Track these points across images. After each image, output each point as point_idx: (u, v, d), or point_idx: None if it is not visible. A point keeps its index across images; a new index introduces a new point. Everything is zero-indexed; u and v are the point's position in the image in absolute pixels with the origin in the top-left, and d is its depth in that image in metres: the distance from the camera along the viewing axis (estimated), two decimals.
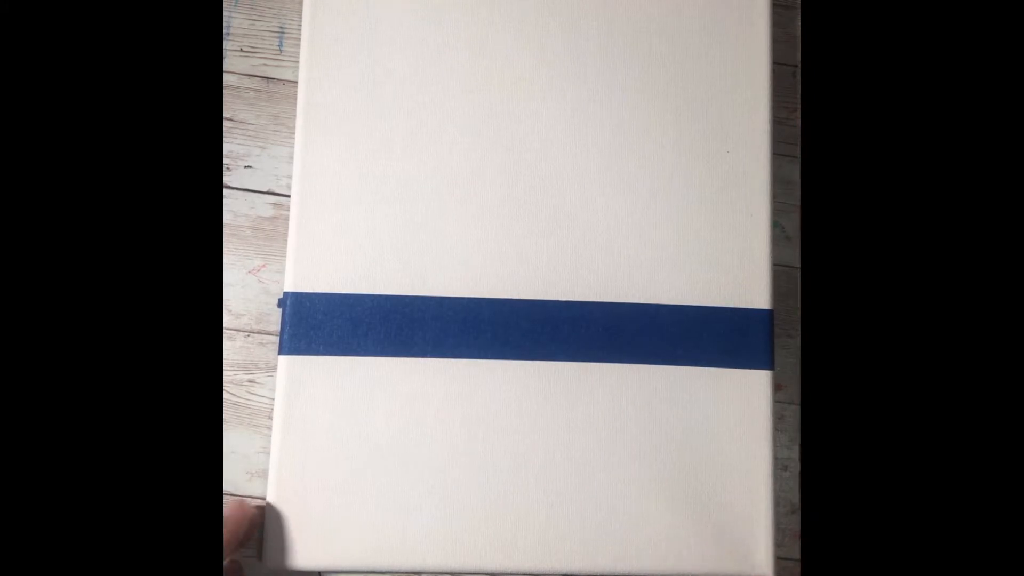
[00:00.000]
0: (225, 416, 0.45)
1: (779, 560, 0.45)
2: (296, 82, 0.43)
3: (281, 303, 0.41)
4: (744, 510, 0.41)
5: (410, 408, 0.40)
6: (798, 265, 0.47)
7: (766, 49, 0.44)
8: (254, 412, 0.45)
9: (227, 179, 0.46)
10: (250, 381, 0.45)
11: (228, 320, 0.45)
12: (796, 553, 0.46)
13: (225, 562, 0.37)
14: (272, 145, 0.47)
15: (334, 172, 0.42)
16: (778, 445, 0.46)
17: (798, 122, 0.49)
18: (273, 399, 0.40)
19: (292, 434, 0.40)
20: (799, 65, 0.49)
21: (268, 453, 0.40)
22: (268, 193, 0.46)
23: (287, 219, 0.43)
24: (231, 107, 0.47)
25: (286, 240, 0.41)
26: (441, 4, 0.43)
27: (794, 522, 0.46)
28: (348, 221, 0.41)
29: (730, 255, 0.42)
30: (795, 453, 0.46)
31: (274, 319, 0.45)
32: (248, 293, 0.46)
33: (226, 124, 0.46)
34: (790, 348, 0.47)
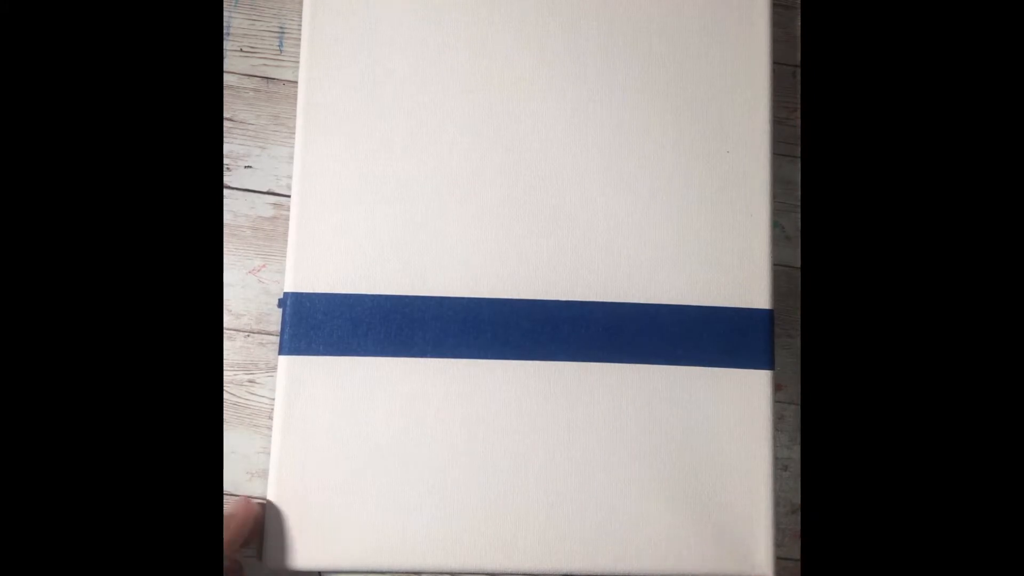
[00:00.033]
0: (225, 416, 0.45)
1: (779, 560, 0.45)
2: (296, 82, 0.43)
3: (281, 303, 0.41)
4: (744, 510, 0.41)
5: (410, 408, 0.40)
6: (798, 265, 0.47)
7: (766, 49, 0.44)
8: (254, 412, 0.45)
9: (227, 179, 0.46)
10: (250, 381, 0.45)
11: (228, 320, 0.45)
12: (796, 553, 0.46)
13: (227, 562, 0.37)
14: (272, 145, 0.47)
15: (334, 172, 0.42)
16: (778, 445, 0.46)
17: (798, 122, 0.49)
18: (273, 399, 0.40)
19: (292, 434, 0.40)
20: (799, 65, 0.49)
21: (268, 453, 0.40)
22: (268, 193, 0.46)
23: (287, 219, 0.43)
24: (231, 107, 0.47)
25: (286, 240, 0.41)
26: (441, 4, 0.43)
27: (794, 522, 0.46)
28: (348, 221, 0.41)
29: (730, 255, 0.42)
30: (795, 453, 0.46)
31: (274, 319, 0.45)
32: (248, 293, 0.46)
33: (226, 124, 0.46)
34: (790, 348, 0.47)
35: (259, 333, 0.45)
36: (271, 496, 0.40)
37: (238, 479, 0.44)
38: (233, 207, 0.46)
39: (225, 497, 0.44)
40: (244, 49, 0.47)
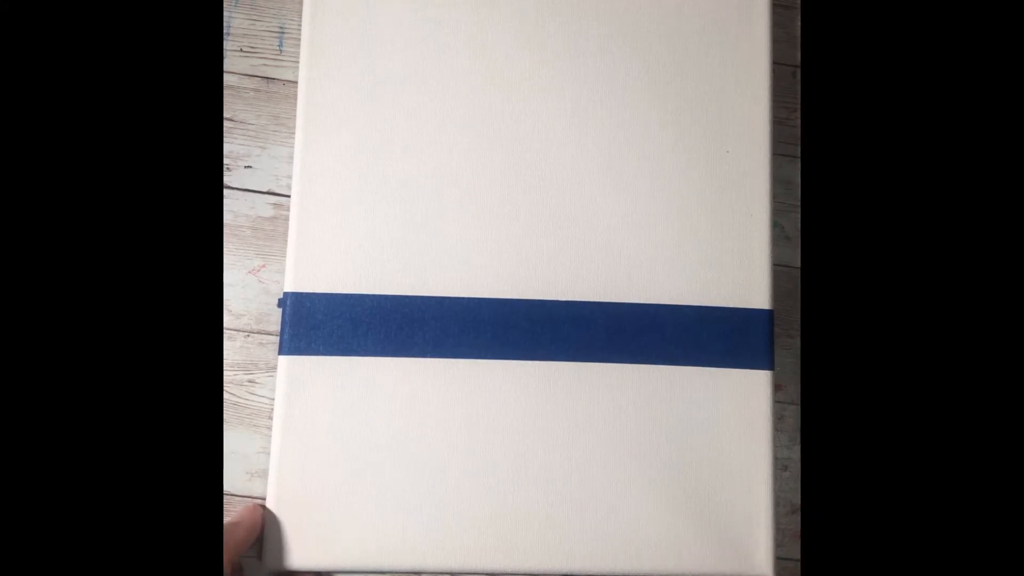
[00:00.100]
0: (225, 416, 0.45)
1: (779, 560, 0.45)
2: (296, 82, 0.43)
3: (281, 303, 0.41)
4: (744, 510, 0.41)
5: (410, 408, 0.40)
6: (798, 265, 0.47)
7: (766, 49, 0.44)
8: (254, 412, 0.45)
9: (227, 179, 0.46)
10: (250, 381, 0.45)
11: (228, 320, 0.45)
12: (796, 553, 0.46)
13: (231, 566, 0.37)
14: (272, 145, 0.47)
15: (334, 172, 0.42)
16: (778, 445, 0.46)
17: (798, 122, 0.49)
18: (273, 399, 0.40)
19: (292, 434, 0.40)
20: (799, 65, 0.49)
21: (268, 453, 0.40)
22: (268, 193, 0.46)
23: (287, 219, 0.43)
24: (231, 107, 0.47)
25: (286, 240, 0.41)
26: (441, 4, 0.43)
27: (794, 522, 0.46)
28: (348, 221, 0.41)
29: (730, 255, 0.42)
30: (795, 453, 0.46)
31: (274, 319, 0.45)
32: (248, 293, 0.46)
33: (226, 124, 0.46)
34: (790, 348, 0.47)
35: (259, 333, 0.45)
36: (271, 496, 0.40)
37: (238, 479, 0.44)
38: (233, 207, 0.46)
39: (226, 498, 0.44)
40: (244, 49, 0.47)
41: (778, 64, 0.46)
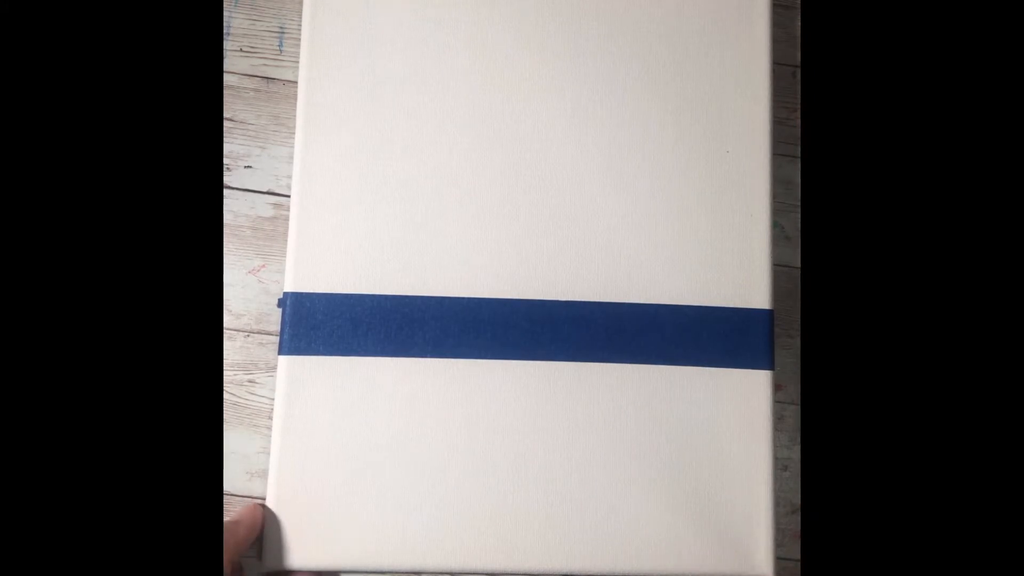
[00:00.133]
0: (225, 416, 0.45)
1: (779, 560, 0.45)
2: (296, 82, 0.43)
3: (281, 303, 0.41)
4: (744, 510, 0.41)
5: (410, 408, 0.40)
6: (798, 265, 0.47)
7: (766, 49, 0.44)
8: (254, 412, 0.45)
9: (227, 179, 0.46)
10: (250, 381, 0.45)
11: (228, 320, 0.45)
12: (796, 553, 0.46)
13: (231, 566, 0.37)
14: (272, 145, 0.47)
15: (334, 172, 0.42)
16: (778, 445, 0.46)
17: (798, 122, 0.49)
18: (273, 399, 0.40)
19: (292, 434, 0.40)
20: (799, 65, 0.49)
21: (268, 453, 0.40)
22: (268, 193, 0.46)
23: (287, 219, 0.43)
24: (231, 107, 0.47)
25: (286, 240, 0.41)
26: (441, 4, 0.43)
27: (794, 522, 0.46)
28: (348, 221, 0.41)
29: (730, 255, 0.42)
30: (795, 453, 0.46)
31: (274, 319, 0.45)
32: (248, 293, 0.46)
33: (226, 124, 0.46)
34: (790, 348, 0.47)
35: (259, 333, 0.45)
36: (271, 496, 0.40)
37: (238, 479, 0.44)
38: (233, 207, 0.46)
39: (227, 499, 0.44)
40: (244, 49, 0.47)
41: (778, 64, 0.46)
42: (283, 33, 0.47)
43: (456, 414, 0.40)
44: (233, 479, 0.44)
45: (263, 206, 0.46)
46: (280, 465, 0.40)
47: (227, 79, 0.47)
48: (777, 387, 0.45)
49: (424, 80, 0.43)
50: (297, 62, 0.43)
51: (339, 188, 0.42)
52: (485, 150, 0.42)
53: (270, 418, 0.43)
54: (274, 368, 0.43)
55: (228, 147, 0.46)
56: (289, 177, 0.46)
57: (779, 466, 0.46)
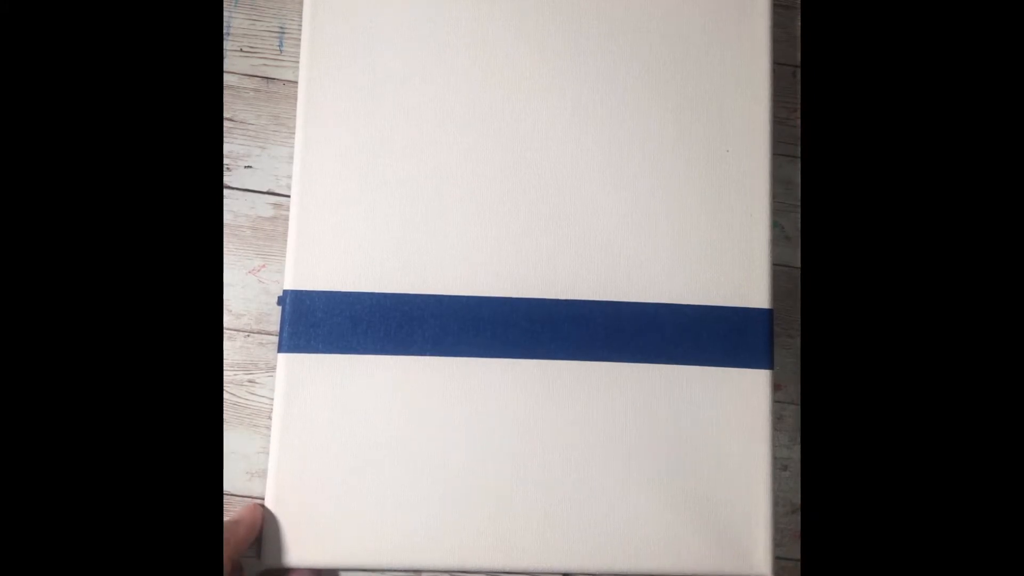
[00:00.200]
0: (225, 416, 0.45)
1: (779, 560, 0.45)
2: (296, 82, 0.43)
3: (280, 301, 0.41)
4: (743, 509, 0.41)
5: (409, 406, 0.40)
6: (798, 265, 0.47)
7: (766, 49, 0.44)
8: (254, 412, 0.45)
9: (227, 179, 0.46)
10: (250, 381, 0.45)
11: (228, 320, 0.45)
12: (796, 553, 0.46)
13: (230, 565, 0.37)
14: (272, 145, 0.47)
15: (334, 170, 0.42)
16: (778, 445, 0.46)
17: (798, 122, 0.49)
18: (273, 399, 0.40)
19: (291, 432, 0.40)
20: (799, 65, 0.49)
21: (268, 452, 0.40)
22: (268, 193, 0.46)
23: (287, 219, 0.43)
24: (231, 107, 0.47)
25: (286, 240, 0.41)
26: (441, 4, 0.43)
27: (794, 522, 0.46)
28: (348, 219, 0.41)
29: (730, 254, 0.42)
30: (795, 453, 0.46)
31: (274, 319, 0.45)
32: (248, 293, 0.46)
33: (226, 124, 0.46)
34: (790, 348, 0.47)
35: (259, 333, 0.45)
36: (270, 492, 0.40)
37: (238, 479, 0.44)
38: (233, 207, 0.46)
39: (227, 498, 0.44)
40: (244, 49, 0.47)
41: (778, 64, 0.46)
42: (283, 33, 0.48)
43: (455, 412, 0.40)
44: (233, 479, 0.44)
45: (263, 206, 0.46)
46: (279, 462, 0.40)
47: (227, 79, 0.47)
48: (777, 387, 0.45)
49: (424, 79, 0.43)
50: (297, 62, 0.43)
51: (339, 186, 0.42)
52: (485, 149, 0.42)
53: (270, 418, 0.43)
54: (274, 368, 0.43)
55: (228, 147, 0.46)
56: (289, 177, 0.46)
57: (779, 466, 0.46)
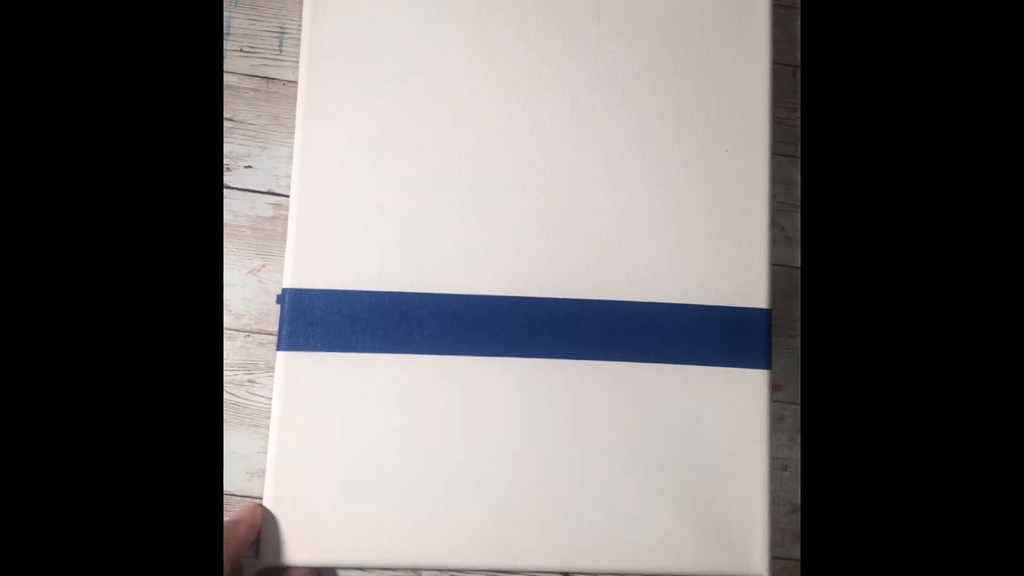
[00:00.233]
0: (225, 416, 0.45)
1: (779, 560, 0.45)
2: (296, 82, 0.43)
3: (280, 299, 0.41)
4: (740, 509, 0.41)
5: (407, 404, 0.40)
6: (798, 265, 0.47)
7: (766, 49, 0.44)
8: (254, 412, 0.45)
9: (227, 179, 0.46)
10: (250, 381, 0.45)
11: (228, 320, 0.45)
12: (796, 553, 0.46)
13: (230, 564, 0.37)
14: (272, 145, 0.47)
15: (333, 169, 0.42)
16: (778, 445, 0.46)
17: (798, 122, 0.49)
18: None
19: (289, 429, 0.40)
20: (799, 65, 0.49)
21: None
22: (268, 193, 0.46)
23: (287, 219, 0.43)
24: (231, 107, 0.47)
25: (286, 239, 0.41)
26: (441, 3, 0.43)
27: (794, 522, 0.46)
28: (347, 218, 0.41)
29: (728, 254, 0.42)
30: (795, 453, 0.46)
31: (274, 319, 0.45)
32: (248, 293, 0.46)
33: (226, 124, 0.46)
34: (790, 348, 0.47)
35: (259, 333, 0.45)
36: (268, 490, 0.40)
37: (238, 479, 0.44)
38: (233, 207, 0.46)
39: (226, 498, 0.44)
40: (244, 49, 0.47)
41: (778, 64, 0.46)
42: (283, 33, 0.48)
43: (454, 411, 0.40)
44: (233, 479, 0.44)
45: (263, 206, 0.46)
46: (278, 460, 0.40)
47: (227, 79, 0.47)
48: (777, 387, 0.45)
49: (424, 79, 0.43)
50: (297, 62, 0.43)
51: (338, 185, 0.42)
52: (485, 148, 0.42)
53: (270, 418, 0.43)
54: (274, 368, 0.43)
55: (228, 147, 0.46)
56: (289, 177, 0.45)
57: (779, 466, 0.46)
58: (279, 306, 0.41)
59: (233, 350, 0.45)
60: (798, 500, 0.46)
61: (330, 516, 0.39)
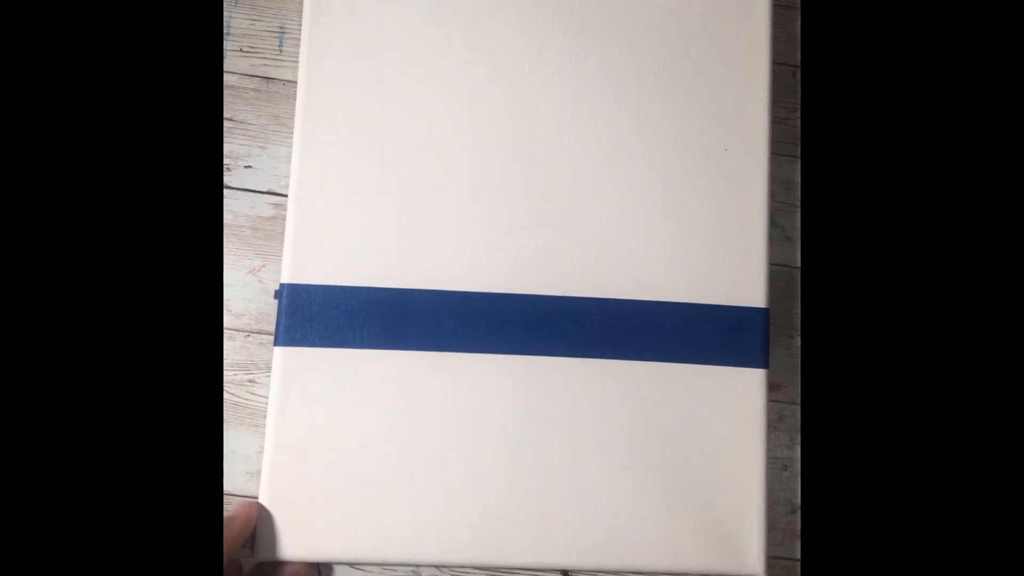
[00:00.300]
0: (225, 416, 0.45)
1: (779, 560, 0.45)
2: (296, 82, 0.43)
3: (277, 294, 0.41)
4: (737, 509, 0.41)
5: (404, 400, 0.40)
6: (798, 265, 0.47)
7: (766, 49, 0.44)
8: (254, 412, 0.45)
9: (227, 179, 0.46)
10: (250, 381, 0.45)
11: (228, 320, 0.45)
12: (796, 553, 0.46)
13: (227, 562, 0.37)
14: (272, 145, 0.47)
15: (332, 165, 0.42)
16: (778, 445, 0.46)
17: (798, 122, 0.49)
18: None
19: (286, 425, 0.40)
20: (799, 65, 0.49)
21: None
22: (268, 193, 0.46)
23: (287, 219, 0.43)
24: (231, 107, 0.47)
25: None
26: (441, 3, 0.43)
27: (794, 522, 0.46)
28: (345, 214, 0.41)
29: (727, 253, 0.42)
30: (795, 453, 0.46)
31: (274, 318, 0.45)
32: (248, 293, 0.46)
33: (226, 124, 0.46)
34: (790, 348, 0.47)
35: (259, 333, 0.45)
36: (264, 485, 0.40)
37: (238, 479, 0.44)
38: (233, 207, 0.46)
39: (227, 498, 0.44)
40: (244, 49, 0.47)
41: (778, 64, 0.46)
42: (283, 33, 0.48)
43: (450, 407, 0.40)
44: (233, 479, 0.44)
45: (263, 206, 0.46)
46: (274, 455, 0.40)
47: (227, 79, 0.47)
48: (778, 387, 0.45)
49: (423, 79, 0.43)
50: (297, 62, 0.43)
51: (337, 181, 0.42)
52: (484, 146, 0.42)
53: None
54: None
55: (228, 147, 0.46)
56: (289, 177, 0.46)
57: (779, 466, 0.46)
58: (277, 301, 0.41)
59: (233, 350, 0.45)
60: (798, 500, 0.46)
61: (326, 511, 0.40)
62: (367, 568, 0.43)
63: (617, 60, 0.43)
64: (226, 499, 0.44)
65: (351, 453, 0.40)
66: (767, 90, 0.44)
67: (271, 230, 0.46)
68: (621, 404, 0.41)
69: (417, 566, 0.42)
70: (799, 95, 0.49)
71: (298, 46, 0.44)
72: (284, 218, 0.46)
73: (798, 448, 0.46)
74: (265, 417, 0.45)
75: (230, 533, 0.37)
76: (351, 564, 0.42)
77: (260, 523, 0.39)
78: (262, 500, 0.40)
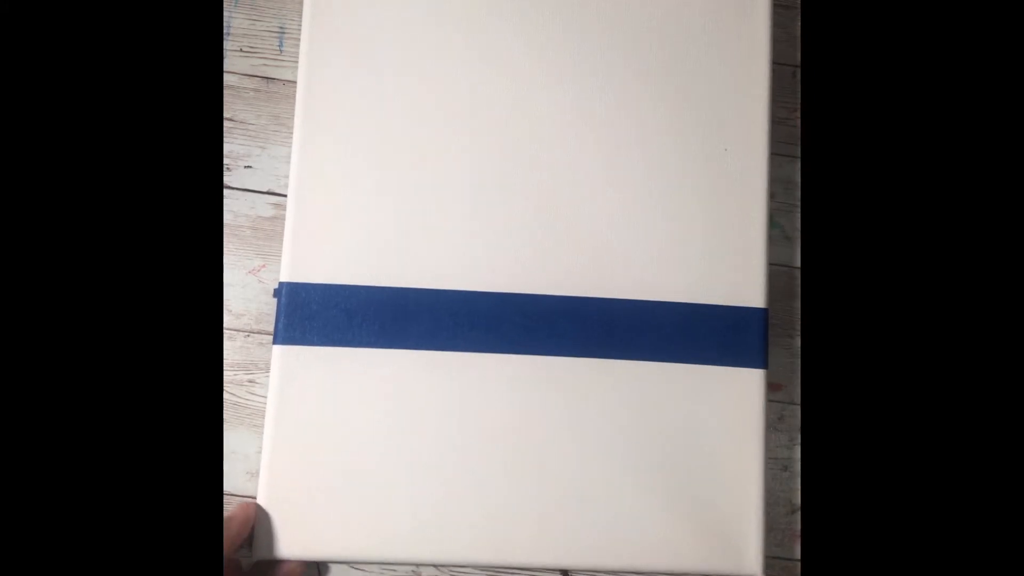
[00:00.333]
0: (225, 416, 0.45)
1: (779, 560, 0.45)
2: (296, 82, 0.43)
3: (277, 293, 0.41)
4: (735, 509, 0.41)
5: (403, 400, 0.40)
6: (798, 265, 0.47)
7: (766, 49, 0.44)
8: (254, 412, 0.45)
9: (227, 179, 0.46)
10: (250, 381, 0.45)
11: (228, 320, 0.45)
12: (796, 553, 0.46)
13: (226, 562, 0.37)
14: (272, 145, 0.47)
15: (332, 165, 0.42)
16: (778, 445, 0.46)
17: (798, 122, 0.49)
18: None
19: (285, 424, 0.40)
20: (799, 65, 0.49)
21: None
22: (268, 193, 0.46)
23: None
24: (231, 107, 0.47)
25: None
26: (441, 4, 0.43)
27: (794, 522, 0.46)
28: (345, 213, 0.42)
29: (726, 253, 0.42)
30: (795, 453, 0.46)
31: (273, 319, 0.45)
32: (248, 293, 0.46)
33: (226, 124, 0.46)
34: (790, 348, 0.47)
35: (259, 333, 0.45)
36: (263, 483, 0.40)
37: (238, 479, 0.44)
38: (233, 207, 0.46)
39: (227, 498, 0.44)
40: (244, 49, 0.47)
41: (778, 64, 0.46)
42: (283, 33, 0.48)
43: (449, 406, 0.40)
44: (233, 479, 0.44)
45: (263, 206, 0.46)
46: (272, 454, 0.40)
47: (227, 79, 0.47)
48: (777, 387, 0.45)
49: (422, 79, 0.43)
50: (297, 62, 0.43)
51: (336, 180, 0.42)
52: (483, 146, 0.42)
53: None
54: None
55: (228, 147, 0.46)
56: (288, 177, 0.46)
57: (779, 466, 0.46)
58: (276, 299, 0.41)
59: (233, 350, 0.45)
60: (798, 500, 0.46)
61: (324, 510, 0.40)
62: (366, 568, 0.43)
63: (617, 60, 0.43)
64: (226, 499, 0.44)
65: (350, 452, 0.40)
66: (767, 90, 0.44)
67: (271, 230, 0.46)
68: (620, 404, 0.41)
69: (416, 565, 0.42)
70: (799, 95, 0.49)
71: (298, 46, 0.44)
72: (284, 218, 0.46)
73: (798, 448, 0.46)
74: (264, 417, 0.45)
75: (228, 533, 0.37)
76: (350, 563, 0.42)
77: (258, 522, 0.39)
78: (261, 498, 0.40)
